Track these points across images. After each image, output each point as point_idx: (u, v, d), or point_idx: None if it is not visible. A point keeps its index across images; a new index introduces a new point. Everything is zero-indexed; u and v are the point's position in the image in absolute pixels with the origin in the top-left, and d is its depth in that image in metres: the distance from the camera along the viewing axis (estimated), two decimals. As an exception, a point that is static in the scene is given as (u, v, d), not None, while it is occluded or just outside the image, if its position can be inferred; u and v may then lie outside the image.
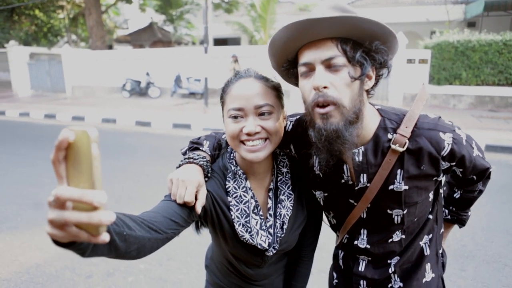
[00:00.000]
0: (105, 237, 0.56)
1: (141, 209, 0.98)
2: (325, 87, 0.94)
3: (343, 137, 0.96)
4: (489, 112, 11.44)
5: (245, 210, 1.16)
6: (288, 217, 1.21)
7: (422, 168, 1.05)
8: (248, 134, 1.05)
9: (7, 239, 3.79)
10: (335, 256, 1.38)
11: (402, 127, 1.04)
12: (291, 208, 1.21)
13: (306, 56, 0.99)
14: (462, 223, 1.42)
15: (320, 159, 1.07)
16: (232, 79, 1.11)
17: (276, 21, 20.19)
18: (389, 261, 1.22)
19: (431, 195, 1.16)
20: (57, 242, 0.62)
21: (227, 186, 1.18)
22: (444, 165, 1.07)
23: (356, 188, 1.12)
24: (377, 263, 1.23)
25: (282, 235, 1.21)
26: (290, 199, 1.22)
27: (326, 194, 1.21)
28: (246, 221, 1.16)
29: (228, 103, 1.09)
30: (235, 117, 1.06)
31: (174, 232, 0.99)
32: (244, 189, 1.17)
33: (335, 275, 1.38)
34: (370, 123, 1.06)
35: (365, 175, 1.09)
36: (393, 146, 1.03)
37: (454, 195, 1.36)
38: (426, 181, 1.09)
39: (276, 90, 1.11)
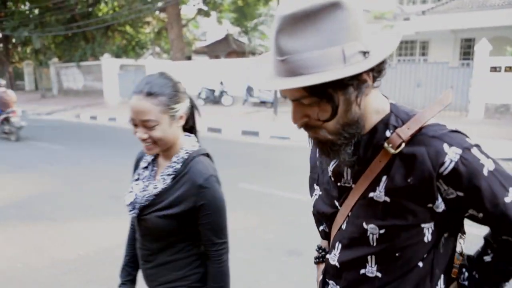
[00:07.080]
0: None
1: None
2: (301, 125, 0.89)
3: (338, 154, 0.90)
4: None
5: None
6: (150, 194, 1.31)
7: (408, 180, 0.86)
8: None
9: (90, 224, 4.38)
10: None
11: (404, 127, 0.86)
12: (159, 188, 1.31)
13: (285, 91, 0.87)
14: None
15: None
16: (133, 91, 1.27)
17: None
18: None
19: (426, 233, 0.90)
20: None
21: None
22: (445, 189, 0.84)
23: (339, 184, 0.97)
24: None
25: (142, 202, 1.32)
26: (165, 182, 1.32)
27: (320, 193, 1.08)
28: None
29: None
30: (133, 124, 1.27)
31: None
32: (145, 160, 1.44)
33: None
34: (374, 115, 0.91)
35: (349, 170, 0.95)
36: (385, 145, 0.87)
37: (484, 258, 0.98)
38: (414, 202, 0.87)
39: (164, 105, 1.24)
